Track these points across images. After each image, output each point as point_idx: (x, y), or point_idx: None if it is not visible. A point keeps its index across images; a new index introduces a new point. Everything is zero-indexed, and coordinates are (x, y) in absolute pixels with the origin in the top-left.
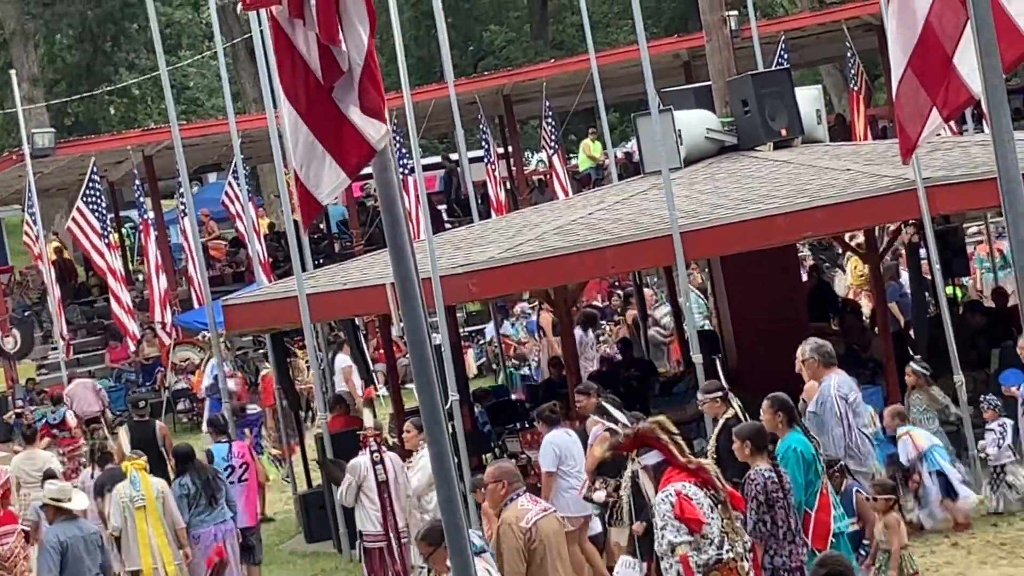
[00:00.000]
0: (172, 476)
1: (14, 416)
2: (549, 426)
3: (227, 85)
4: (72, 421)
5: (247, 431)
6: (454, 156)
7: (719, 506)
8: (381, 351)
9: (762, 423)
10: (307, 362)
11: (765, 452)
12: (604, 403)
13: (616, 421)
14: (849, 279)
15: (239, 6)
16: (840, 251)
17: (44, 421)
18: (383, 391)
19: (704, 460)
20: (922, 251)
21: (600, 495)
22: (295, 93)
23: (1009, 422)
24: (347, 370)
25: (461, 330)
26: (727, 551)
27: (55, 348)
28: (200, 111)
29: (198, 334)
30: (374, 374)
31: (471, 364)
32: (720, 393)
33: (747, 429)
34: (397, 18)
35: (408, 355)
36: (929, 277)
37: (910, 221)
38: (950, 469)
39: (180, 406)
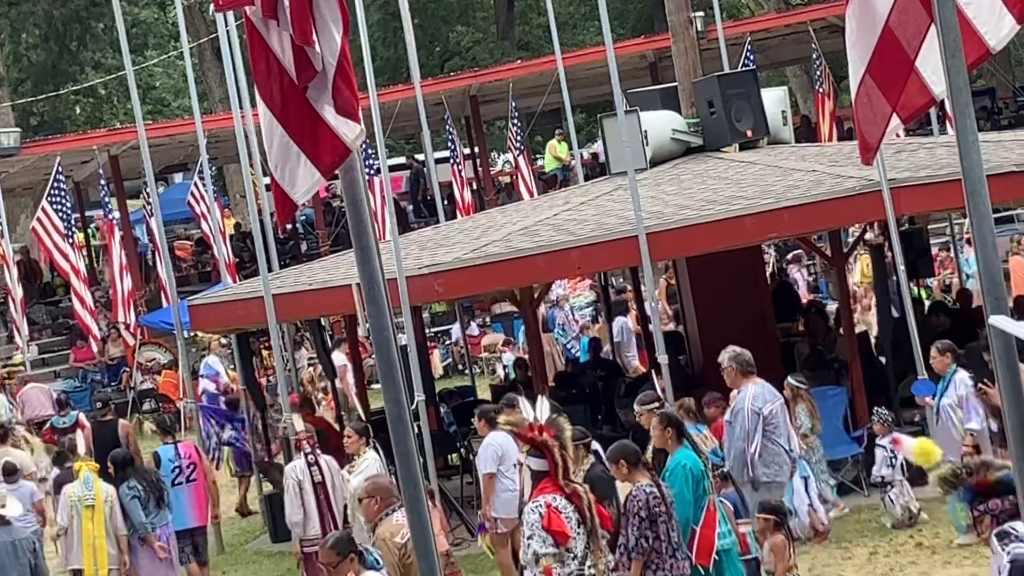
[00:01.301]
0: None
1: None
2: (490, 426)
3: (193, 85)
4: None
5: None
6: (421, 157)
7: (585, 524)
8: (347, 352)
9: (631, 443)
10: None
11: (641, 466)
12: (515, 396)
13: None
14: (857, 277)
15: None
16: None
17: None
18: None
19: (581, 487)
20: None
21: None
22: (270, 93)
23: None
24: (342, 369)
25: (427, 331)
26: (589, 568)
27: (19, 349)
28: (166, 111)
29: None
30: (307, 379)
31: (437, 364)
32: (656, 404)
33: (616, 449)
34: (364, 19)
35: (374, 355)
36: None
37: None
38: (811, 477)
39: (146, 406)
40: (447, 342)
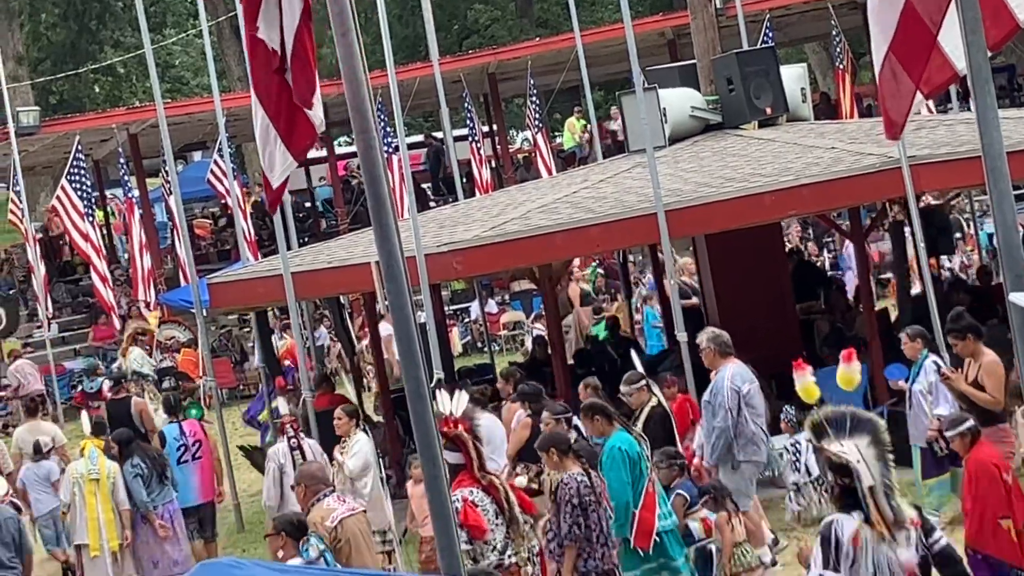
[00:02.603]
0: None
1: None
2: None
3: (212, 63)
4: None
5: None
6: (439, 134)
7: (504, 514)
8: (366, 329)
9: (563, 431)
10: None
11: (572, 455)
12: (441, 389)
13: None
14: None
15: None
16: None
17: None
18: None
19: (497, 479)
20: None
21: (521, 480)
22: (258, 76)
23: (803, 439)
24: (387, 339)
25: (446, 308)
26: (509, 556)
27: (40, 326)
28: (185, 89)
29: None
30: (359, 352)
31: (456, 342)
32: (643, 383)
33: (546, 439)
34: None
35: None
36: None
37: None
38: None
39: (165, 384)
40: (466, 320)
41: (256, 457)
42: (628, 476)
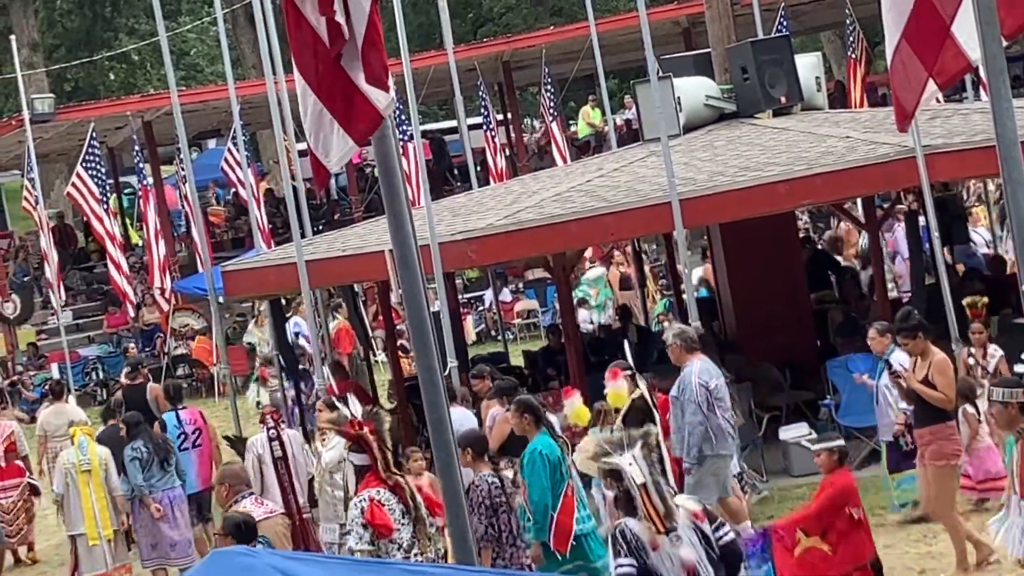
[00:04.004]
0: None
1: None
2: (450, 401)
3: (226, 51)
4: None
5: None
6: (441, 125)
7: (410, 514)
8: (380, 318)
9: (483, 431)
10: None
11: (485, 457)
12: (337, 401)
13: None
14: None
15: None
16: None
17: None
18: (381, 357)
19: (402, 479)
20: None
21: (507, 475)
22: (304, 62)
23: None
24: None
25: (460, 297)
26: (415, 555)
27: (55, 314)
28: (200, 77)
29: (197, 300)
30: (373, 340)
31: (470, 331)
32: (628, 372)
33: (465, 437)
34: None
35: (407, 321)
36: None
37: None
38: None
39: (179, 371)
40: (480, 308)
41: (239, 447)
42: (548, 480)
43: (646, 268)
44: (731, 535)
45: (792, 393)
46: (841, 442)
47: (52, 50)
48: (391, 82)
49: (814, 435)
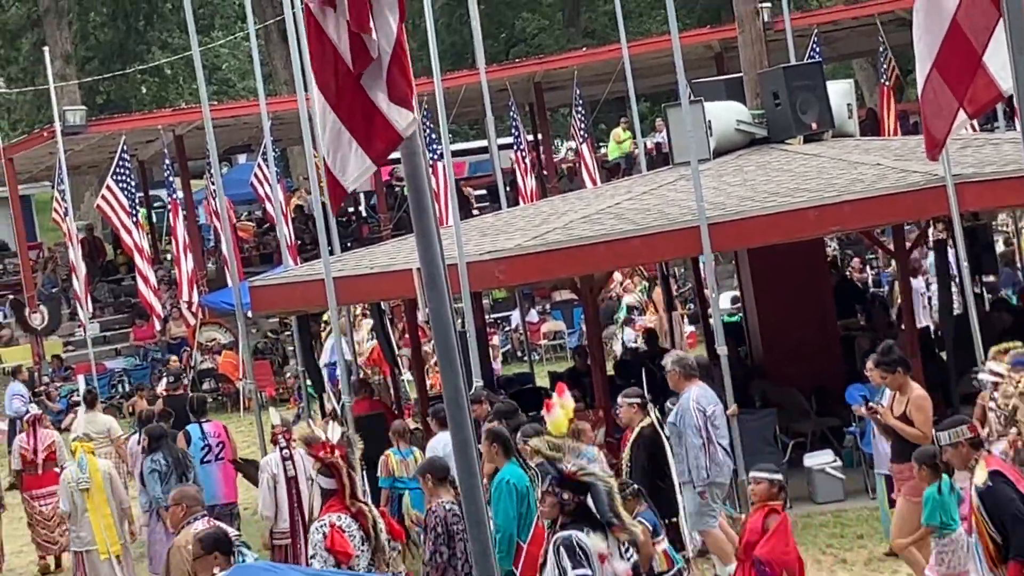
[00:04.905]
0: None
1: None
2: (441, 426)
3: (258, 67)
4: None
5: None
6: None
7: (370, 542)
8: (407, 336)
9: (442, 457)
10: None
11: (447, 484)
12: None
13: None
14: None
15: None
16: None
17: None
18: (407, 376)
19: (366, 507)
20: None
21: None
22: (324, 80)
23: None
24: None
25: (487, 316)
26: None
27: (82, 325)
28: (231, 92)
29: (224, 314)
30: (399, 358)
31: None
32: (638, 400)
33: (425, 465)
34: (429, 4)
35: (433, 341)
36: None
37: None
38: None
39: (205, 385)
40: (507, 329)
41: (247, 469)
42: (514, 510)
43: (673, 291)
44: (636, 558)
45: (818, 420)
46: (780, 475)
47: (85, 62)
48: (415, 102)
49: (839, 463)
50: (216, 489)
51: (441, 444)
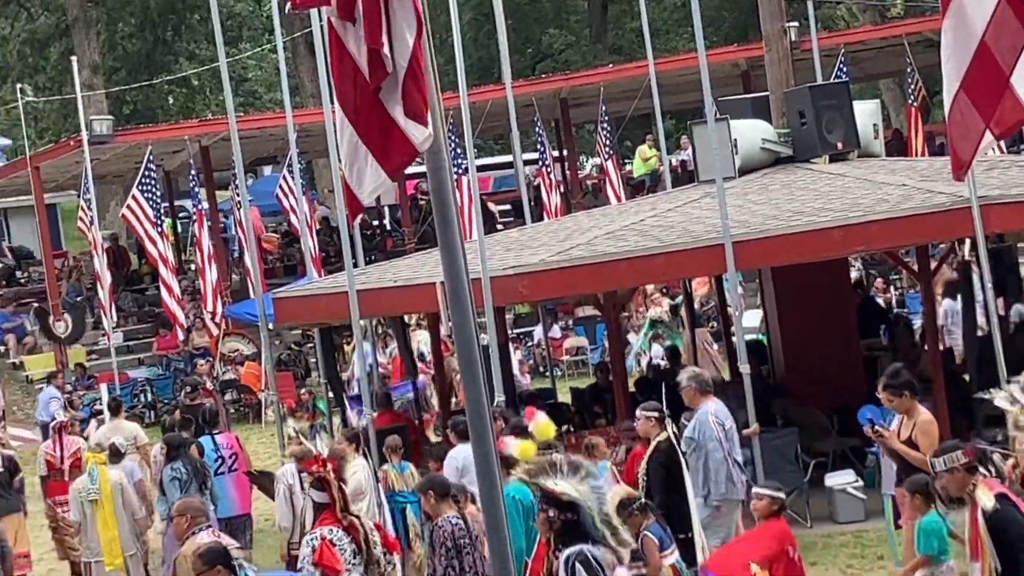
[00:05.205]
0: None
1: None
2: (460, 439)
3: (285, 79)
4: None
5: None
6: (496, 159)
7: (363, 554)
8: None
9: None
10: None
11: (449, 500)
12: (306, 437)
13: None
14: None
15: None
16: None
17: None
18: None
19: (358, 520)
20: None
21: None
22: (344, 93)
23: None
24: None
25: (509, 331)
26: None
27: (105, 334)
28: (258, 104)
29: (247, 325)
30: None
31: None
32: (656, 414)
33: (426, 482)
34: (457, 18)
35: (456, 355)
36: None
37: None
38: None
39: (228, 396)
40: (529, 344)
41: (262, 480)
42: (521, 525)
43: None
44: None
45: (839, 439)
46: (783, 494)
47: (112, 72)
48: (441, 116)
49: (861, 483)
50: (230, 500)
51: (460, 456)
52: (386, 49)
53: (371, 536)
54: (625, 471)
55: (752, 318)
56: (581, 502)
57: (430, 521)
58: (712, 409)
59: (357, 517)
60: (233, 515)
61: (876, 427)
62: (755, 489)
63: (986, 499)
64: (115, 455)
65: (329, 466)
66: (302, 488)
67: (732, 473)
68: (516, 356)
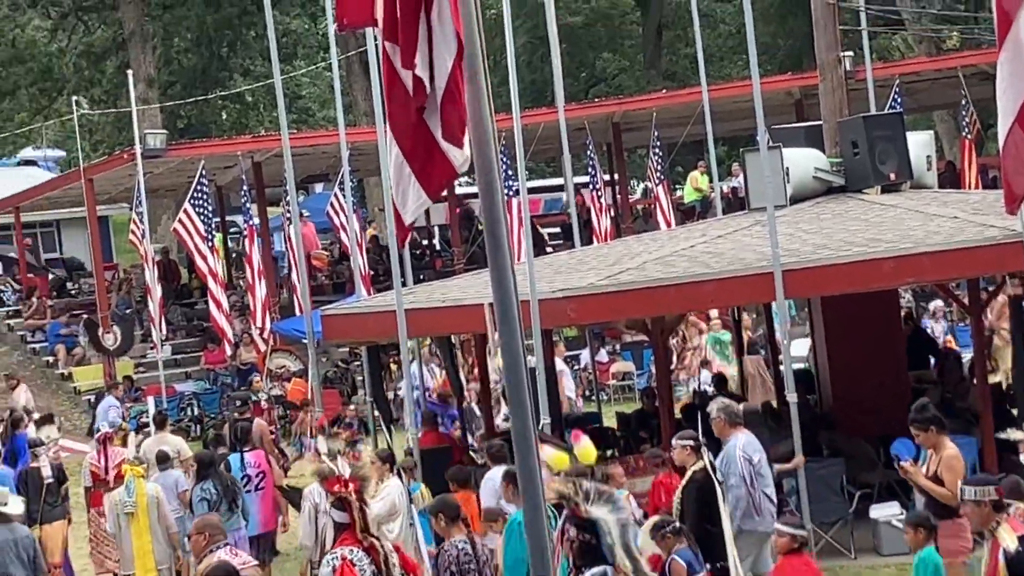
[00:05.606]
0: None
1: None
2: (495, 462)
3: (339, 97)
4: None
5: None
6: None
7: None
8: (476, 371)
9: (453, 497)
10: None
11: (459, 522)
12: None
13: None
14: None
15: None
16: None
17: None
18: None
19: (378, 541)
20: None
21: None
22: (392, 112)
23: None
24: (558, 375)
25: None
26: None
27: (154, 347)
28: (311, 121)
29: (295, 342)
30: (468, 393)
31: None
32: (692, 442)
33: (437, 504)
34: (511, 41)
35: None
36: None
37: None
38: None
39: (274, 412)
40: (576, 367)
41: (294, 496)
42: (524, 552)
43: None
44: None
45: (885, 471)
46: (805, 532)
47: (167, 87)
48: (467, 138)
49: (905, 515)
50: (253, 518)
51: (497, 479)
52: (420, 71)
53: (390, 558)
54: (649, 500)
55: (800, 347)
56: (602, 525)
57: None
58: (740, 442)
59: (377, 538)
60: (257, 533)
61: (901, 462)
62: (776, 525)
63: (1009, 540)
64: (162, 461)
65: (351, 486)
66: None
67: (760, 506)
68: (570, 381)
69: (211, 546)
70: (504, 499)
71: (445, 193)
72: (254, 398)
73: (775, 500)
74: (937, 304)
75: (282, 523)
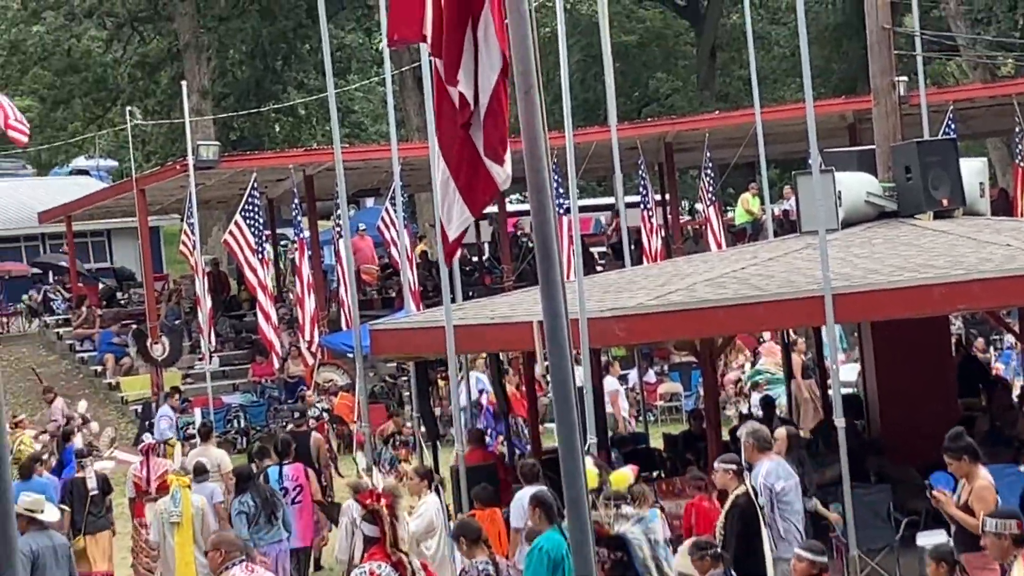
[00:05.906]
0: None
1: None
2: (528, 482)
3: (392, 112)
4: None
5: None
6: (598, 200)
7: None
8: (523, 388)
9: (474, 519)
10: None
11: (481, 544)
12: (367, 473)
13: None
14: None
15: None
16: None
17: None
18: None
19: (406, 557)
20: None
21: None
22: (440, 128)
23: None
24: (613, 394)
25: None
26: None
27: (202, 358)
28: (363, 135)
29: (343, 356)
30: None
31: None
32: (734, 466)
33: (458, 527)
34: (566, 59)
35: (550, 394)
36: None
37: None
38: None
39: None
40: (624, 387)
41: (332, 511)
42: None
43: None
44: None
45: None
46: (824, 558)
47: (221, 98)
48: (508, 155)
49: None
50: (293, 533)
51: (525, 499)
52: (463, 87)
53: (418, 574)
54: (683, 523)
55: (849, 372)
56: (632, 541)
57: None
58: (764, 469)
59: (406, 554)
60: (295, 547)
61: (934, 491)
62: (796, 550)
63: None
64: (199, 473)
65: (383, 500)
66: None
67: (786, 535)
68: (624, 401)
69: (227, 563)
70: (531, 522)
71: (496, 210)
72: (313, 413)
73: (801, 528)
74: (979, 343)
75: (321, 538)
